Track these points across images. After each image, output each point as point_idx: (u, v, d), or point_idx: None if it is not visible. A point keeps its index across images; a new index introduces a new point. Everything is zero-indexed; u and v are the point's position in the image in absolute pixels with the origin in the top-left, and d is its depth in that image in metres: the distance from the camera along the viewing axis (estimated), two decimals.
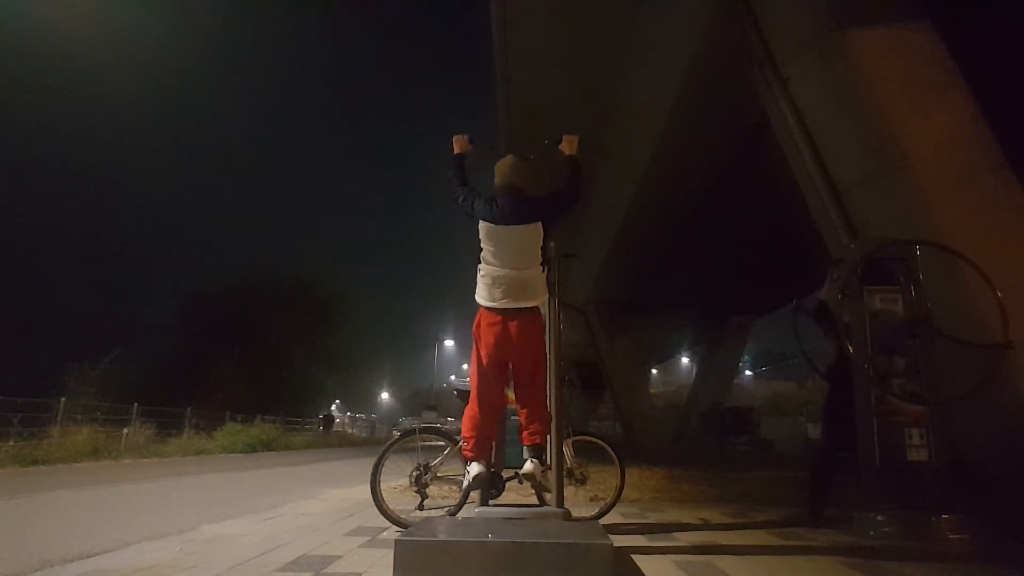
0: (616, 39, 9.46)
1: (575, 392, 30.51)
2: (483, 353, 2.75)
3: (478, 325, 2.78)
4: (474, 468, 2.68)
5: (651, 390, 29.48)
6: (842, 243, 4.96)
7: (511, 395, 2.92)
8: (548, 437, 2.76)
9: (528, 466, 2.70)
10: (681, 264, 16.41)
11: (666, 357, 40.89)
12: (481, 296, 2.78)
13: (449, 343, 43.98)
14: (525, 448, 2.77)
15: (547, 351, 2.83)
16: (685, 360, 42.92)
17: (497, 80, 10.50)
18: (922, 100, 4.94)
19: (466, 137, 3.09)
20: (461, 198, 2.90)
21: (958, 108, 4.86)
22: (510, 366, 2.80)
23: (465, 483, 2.76)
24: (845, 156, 5.31)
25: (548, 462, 2.73)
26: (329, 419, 27.56)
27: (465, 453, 2.76)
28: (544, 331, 2.83)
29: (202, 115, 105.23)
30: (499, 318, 2.72)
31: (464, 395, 3.01)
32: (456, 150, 3.07)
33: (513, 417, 2.92)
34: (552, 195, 2.89)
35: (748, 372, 45.95)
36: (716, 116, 9.76)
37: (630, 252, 15.93)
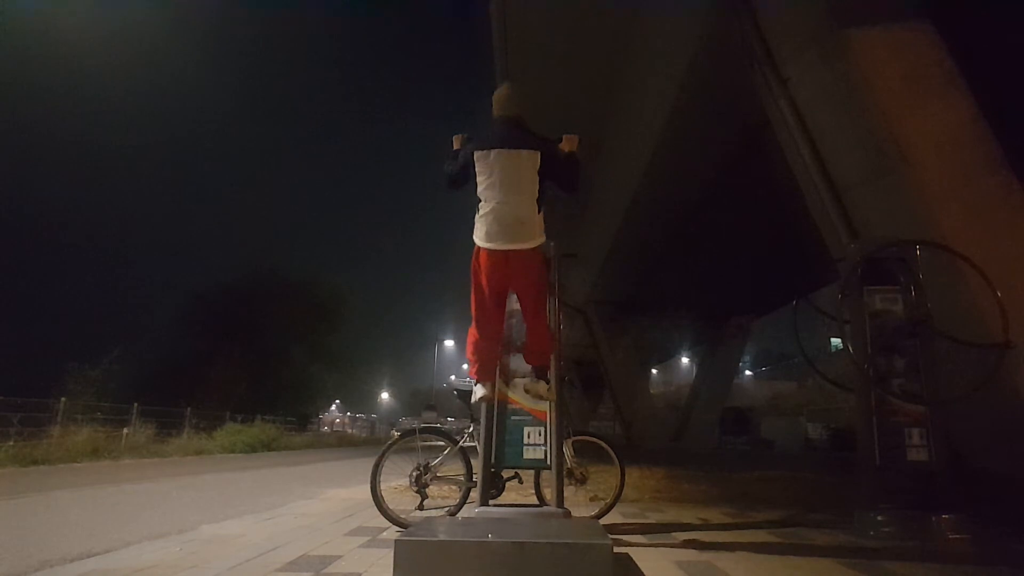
0: (616, 39, 9.47)
1: (575, 392, 30.52)
2: (483, 282, 2.65)
3: (476, 260, 2.66)
4: (479, 390, 2.71)
5: (651, 390, 29.52)
6: (842, 243, 4.96)
7: (507, 392, 2.91)
8: (552, 359, 2.80)
9: (538, 386, 2.75)
10: (681, 264, 16.42)
11: (666, 357, 40.91)
12: (478, 236, 2.63)
13: (449, 343, 43.99)
14: (532, 369, 2.81)
15: (549, 279, 2.82)
16: (685, 360, 42.93)
17: (497, 78, 10.51)
18: (922, 100, 4.95)
19: (467, 136, 3.09)
20: (451, 160, 2.81)
21: (958, 108, 4.87)
22: (508, 299, 2.79)
23: (473, 399, 2.78)
24: (845, 156, 5.32)
25: (548, 460, 2.73)
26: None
27: (472, 375, 2.78)
28: (545, 266, 2.78)
29: (202, 115, 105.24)
30: (498, 257, 2.60)
31: (464, 395, 3.01)
32: (456, 148, 3.06)
33: (514, 417, 2.91)
34: (555, 146, 2.74)
35: (748, 372, 45.98)
36: (716, 116, 9.77)
37: (630, 252, 15.94)
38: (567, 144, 2.97)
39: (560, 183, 2.77)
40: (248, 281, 24.30)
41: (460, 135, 3.05)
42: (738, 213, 13.02)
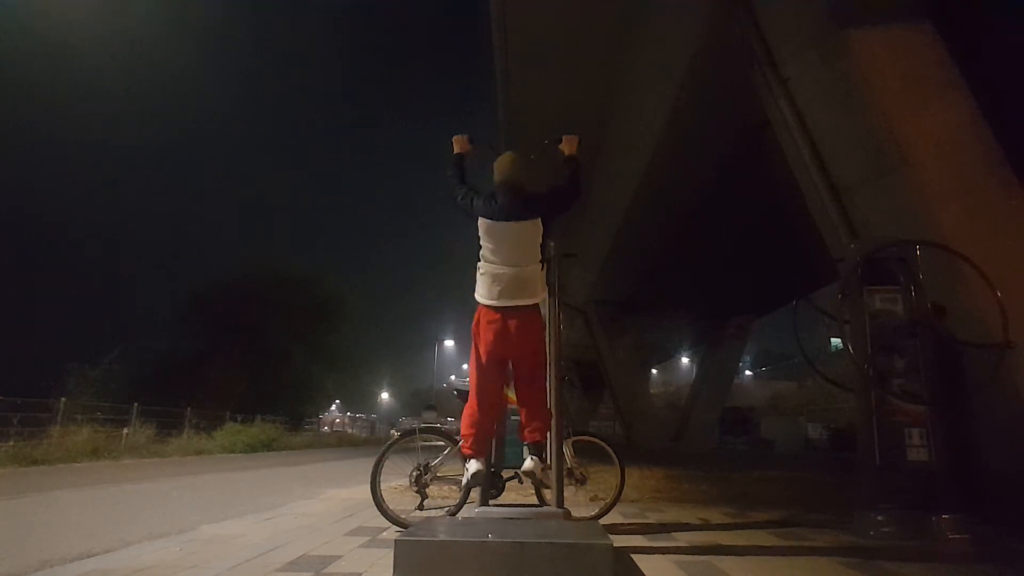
0: (616, 39, 9.47)
1: (575, 392, 30.52)
2: (482, 351, 2.74)
3: (477, 323, 2.77)
4: (473, 466, 2.68)
5: (651, 390, 29.51)
6: (842, 243, 4.96)
7: (511, 395, 2.92)
8: (548, 435, 2.75)
9: (528, 463, 2.70)
10: (681, 264, 16.42)
11: (666, 357, 40.90)
12: (480, 294, 2.75)
13: (449, 343, 44.01)
14: (526, 446, 2.77)
15: (547, 349, 2.83)
16: (685, 360, 42.93)
17: (497, 80, 10.51)
18: (922, 100, 4.95)
19: (466, 137, 3.09)
20: (460, 196, 2.90)
21: (958, 108, 4.87)
22: (510, 364, 2.80)
23: (464, 480, 2.76)
24: (845, 156, 5.32)
25: (548, 461, 2.73)
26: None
27: (464, 450, 2.76)
28: (544, 329, 2.82)
29: (202, 115, 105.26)
30: (498, 316, 2.71)
31: (464, 395, 3.01)
32: (456, 150, 3.07)
33: (514, 417, 2.92)
34: (551, 192, 2.88)
35: (748, 372, 46.00)
36: (716, 116, 9.77)
37: (630, 252, 15.94)
38: (567, 144, 2.98)
39: (565, 204, 2.90)
40: (248, 281, 24.27)
41: (459, 136, 3.06)
42: (738, 213, 13.02)
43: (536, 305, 2.77)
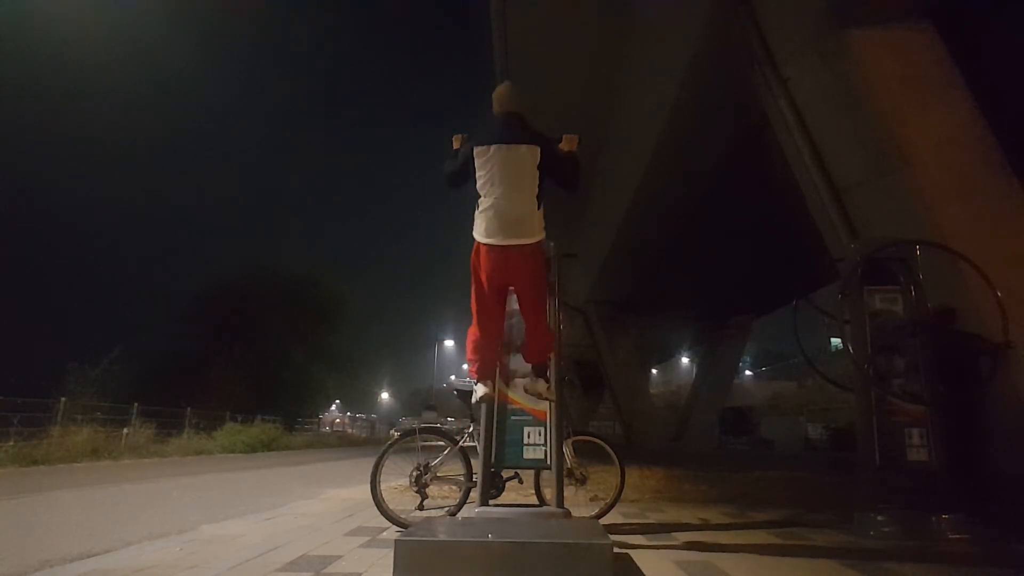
0: (616, 39, 9.47)
1: (575, 392, 30.49)
2: (483, 279, 2.65)
3: (476, 256, 2.65)
4: (480, 389, 2.71)
5: (651, 390, 29.51)
6: (842, 243, 4.96)
7: (508, 393, 2.91)
8: (550, 357, 2.81)
9: (537, 385, 2.76)
10: (681, 264, 16.42)
11: (666, 357, 40.90)
12: (478, 232, 2.62)
13: (449, 343, 44.00)
14: (532, 368, 2.81)
15: (548, 276, 2.81)
16: (685, 360, 42.93)
17: (497, 78, 10.50)
18: (922, 100, 4.95)
19: (466, 136, 3.08)
20: (451, 160, 2.81)
21: (958, 108, 4.87)
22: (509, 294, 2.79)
23: (473, 399, 2.77)
24: (845, 156, 5.32)
25: (548, 460, 2.73)
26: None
27: (472, 374, 2.77)
28: (544, 262, 2.76)
29: (202, 114, 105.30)
30: (497, 253, 2.59)
31: (464, 395, 3.01)
32: (456, 148, 3.06)
33: (514, 417, 2.91)
34: (555, 144, 2.74)
35: (748, 372, 46.00)
36: (716, 116, 9.77)
37: (630, 252, 15.94)
38: (567, 144, 2.97)
39: (560, 181, 2.75)
40: (248, 281, 24.28)
41: (460, 135, 3.05)
42: (738, 213, 13.01)
43: (536, 243, 2.64)
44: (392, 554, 1.77)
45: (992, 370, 3.56)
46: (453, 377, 44.54)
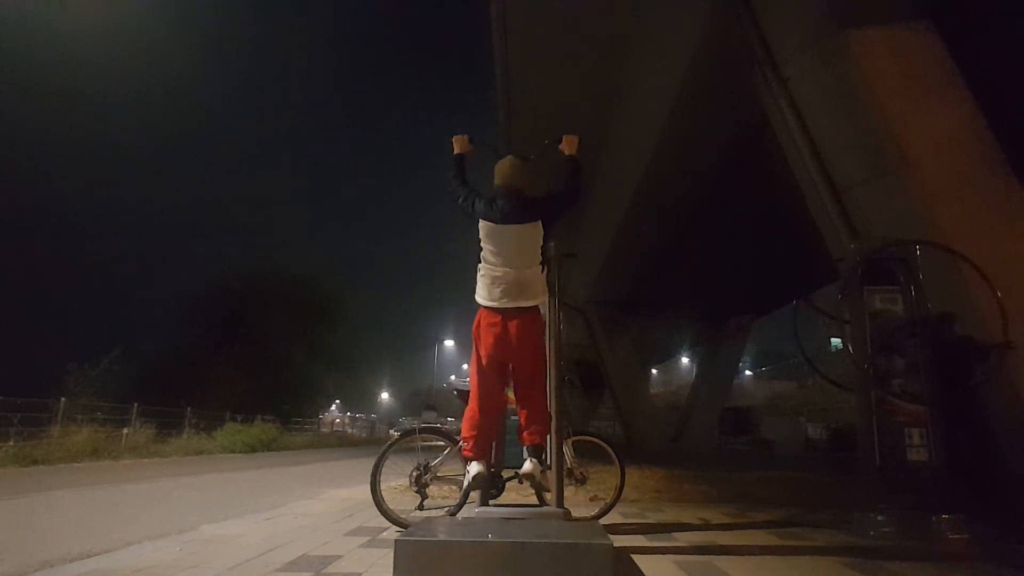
0: (616, 39, 9.46)
1: (575, 392, 30.47)
2: (483, 353, 2.75)
3: (478, 325, 2.79)
4: (474, 468, 2.69)
5: (651, 390, 29.50)
6: (842, 243, 4.96)
7: (511, 395, 2.92)
8: (548, 437, 2.75)
9: (528, 466, 2.70)
10: (681, 264, 16.41)
11: (666, 357, 40.88)
12: (481, 296, 2.78)
13: (449, 343, 44.06)
14: (525, 448, 2.77)
15: (547, 351, 2.83)
16: (685, 360, 42.92)
17: (497, 80, 10.50)
18: (922, 100, 4.94)
19: (466, 137, 3.09)
20: (461, 198, 2.91)
21: (958, 108, 4.87)
22: (510, 366, 2.80)
23: (465, 483, 2.76)
24: (845, 156, 5.32)
25: (548, 462, 2.73)
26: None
27: (465, 453, 2.76)
28: (544, 331, 2.83)
29: (202, 114, 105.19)
30: (499, 318, 2.72)
31: (464, 395, 3.01)
32: (456, 150, 3.07)
33: (513, 417, 2.92)
34: (552, 195, 2.90)
35: (748, 372, 45.98)
36: (716, 116, 9.77)
37: (630, 252, 15.94)
38: (567, 145, 2.99)
39: (564, 204, 2.91)
40: (248, 281, 24.31)
41: (459, 136, 3.07)
42: (738, 213, 13.01)
43: (536, 307, 2.79)
44: (392, 554, 1.77)
45: (992, 370, 3.56)
46: (453, 377, 44.56)
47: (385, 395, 54.36)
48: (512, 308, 2.72)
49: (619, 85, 10.57)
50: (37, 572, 2.26)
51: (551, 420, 2.73)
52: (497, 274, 2.74)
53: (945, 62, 4.99)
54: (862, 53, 5.12)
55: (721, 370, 24.22)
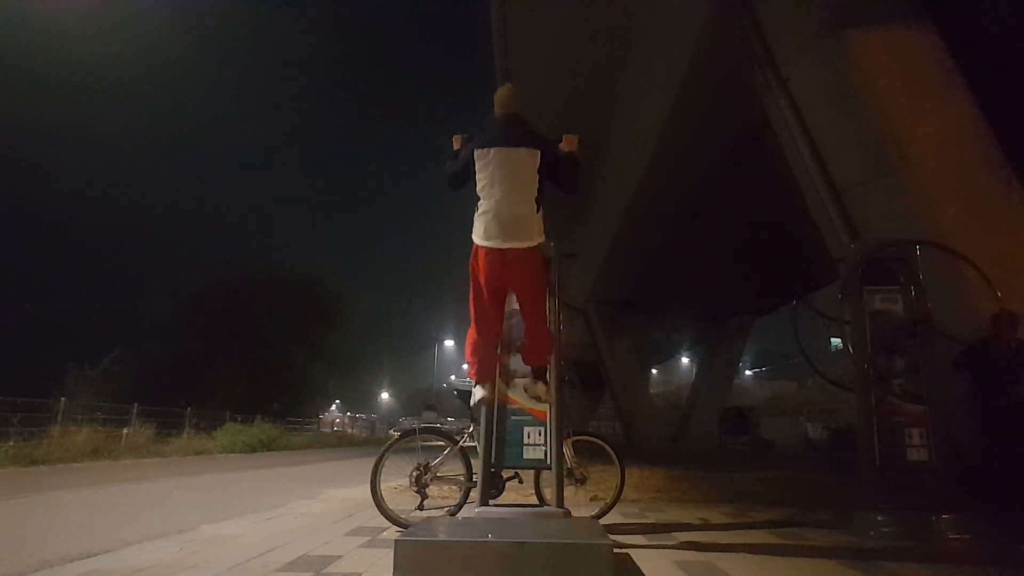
0: (616, 38, 9.47)
1: (575, 392, 30.47)
2: (482, 282, 2.65)
3: (475, 258, 2.65)
4: (479, 391, 2.72)
5: (651, 390, 29.50)
6: (842, 243, 4.96)
7: (512, 395, 2.91)
8: (550, 359, 2.80)
9: (536, 387, 2.76)
10: (681, 264, 16.41)
11: (666, 357, 40.88)
12: (477, 234, 2.63)
13: (449, 343, 44.00)
14: (531, 370, 2.81)
15: (548, 279, 2.80)
16: (685, 360, 42.93)
17: (497, 79, 10.51)
18: (922, 100, 4.94)
19: (467, 136, 3.08)
20: (451, 161, 2.81)
21: (958, 108, 4.87)
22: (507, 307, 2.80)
23: (472, 402, 2.78)
24: (845, 156, 5.31)
25: (548, 461, 2.73)
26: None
27: (471, 376, 2.78)
28: (543, 266, 2.76)
29: (202, 114, 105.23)
30: (496, 256, 2.59)
31: (464, 395, 3.01)
32: (456, 149, 3.06)
33: (514, 417, 2.91)
34: (553, 145, 2.74)
35: (748, 372, 46.00)
36: (716, 116, 9.77)
37: (630, 252, 15.93)
38: (567, 144, 2.97)
39: (560, 183, 2.77)
40: (248, 281, 24.30)
41: (460, 135, 3.05)
42: (738, 213, 13.01)
43: (535, 246, 2.64)
44: (392, 554, 1.77)
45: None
46: (453, 377, 44.59)
47: (385, 395, 54.34)
48: (509, 249, 2.57)
49: (619, 85, 10.58)
50: (37, 572, 2.26)
51: (554, 341, 2.77)
52: (493, 208, 2.58)
53: (945, 62, 4.99)
54: (862, 53, 5.12)
55: (721, 370, 24.22)
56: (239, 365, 21.36)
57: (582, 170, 2.91)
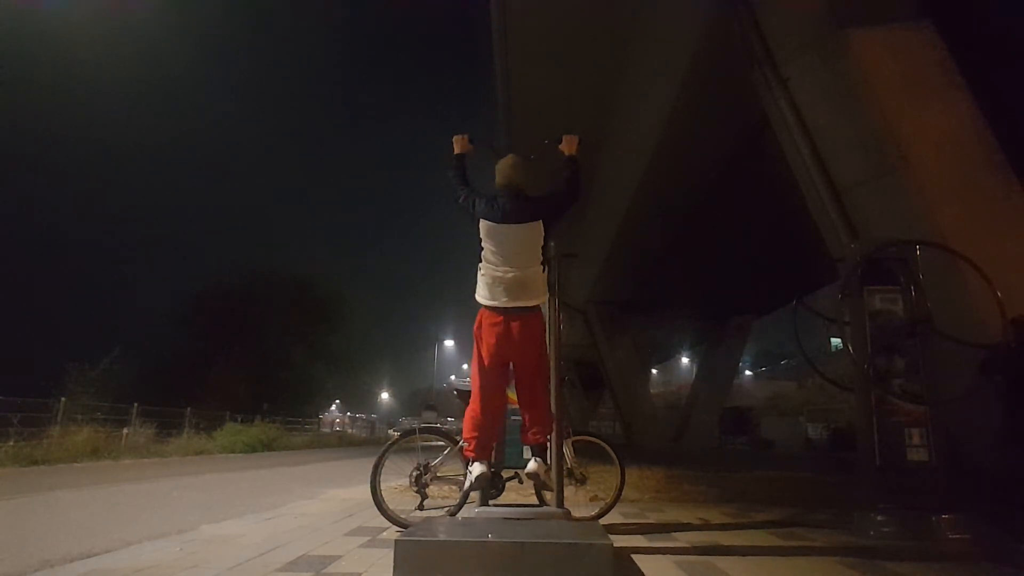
0: (616, 38, 9.46)
1: (575, 392, 30.50)
2: (484, 353, 2.74)
3: (479, 325, 2.78)
4: (476, 468, 2.68)
5: (651, 390, 29.50)
6: (842, 243, 4.96)
7: (512, 395, 2.92)
8: (550, 437, 2.75)
9: (532, 465, 2.70)
10: (681, 264, 16.41)
11: (666, 357, 40.89)
12: (482, 295, 2.76)
13: (449, 343, 44.05)
14: (528, 448, 2.78)
15: (548, 351, 2.83)
16: (685, 360, 42.93)
17: (497, 79, 10.50)
18: (922, 100, 4.94)
19: (466, 137, 3.09)
20: (461, 198, 2.90)
21: (958, 108, 4.87)
22: (511, 366, 2.80)
23: (467, 484, 2.76)
24: (845, 156, 5.32)
25: (550, 462, 2.73)
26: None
27: (467, 453, 2.76)
28: (545, 331, 2.83)
29: (202, 114, 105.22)
30: (500, 318, 2.71)
31: (464, 395, 3.01)
32: (456, 150, 3.07)
33: (514, 417, 2.91)
34: (552, 195, 2.89)
35: (748, 372, 46.01)
36: (716, 116, 9.76)
37: (630, 252, 15.93)
38: (567, 144, 2.99)
39: (562, 195, 2.89)
40: (248, 281, 24.31)
41: (460, 136, 3.06)
42: (738, 213, 13.01)
43: (538, 306, 2.77)
44: (392, 554, 1.77)
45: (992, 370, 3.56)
46: (453, 377, 44.56)
47: (385, 395, 54.36)
48: (513, 308, 2.71)
49: (619, 85, 10.57)
50: (37, 572, 2.26)
51: (553, 420, 2.74)
52: (498, 274, 2.73)
53: (945, 62, 4.99)
54: (862, 53, 5.12)
55: (721, 370, 24.22)
56: (239, 365, 21.37)
57: (582, 170, 2.94)
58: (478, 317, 2.79)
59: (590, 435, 3.56)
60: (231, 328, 22.26)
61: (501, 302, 2.71)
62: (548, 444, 2.76)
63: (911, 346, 3.37)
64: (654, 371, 43.98)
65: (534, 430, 2.75)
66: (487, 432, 2.76)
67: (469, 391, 2.86)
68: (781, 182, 6.87)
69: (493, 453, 2.82)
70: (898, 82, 5.00)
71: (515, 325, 2.69)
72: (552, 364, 2.82)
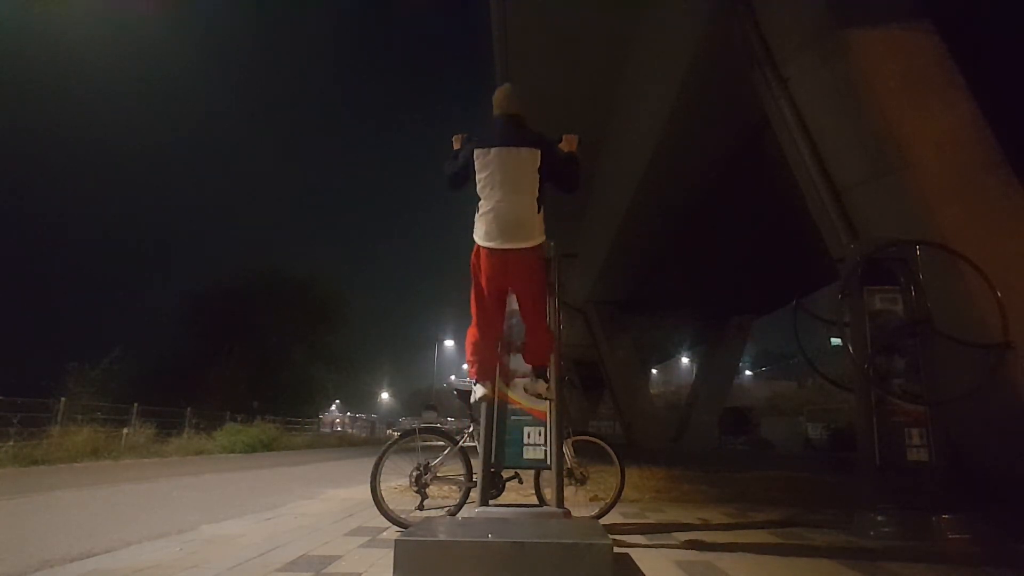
0: (616, 39, 9.46)
1: (575, 392, 30.51)
2: (482, 283, 2.66)
3: (476, 258, 2.66)
4: (479, 390, 2.72)
5: (651, 390, 29.52)
6: (842, 243, 4.96)
7: (512, 395, 2.91)
8: (551, 357, 2.81)
9: (537, 385, 2.78)
10: (681, 264, 16.42)
11: (666, 357, 40.89)
12: (478, 235, 2.63)
13: (449, 343, 44.01)
14: (532, 369, 2.82)
15: (549, 281, 2.82)
16: (685, 360, 42.94)
17: (497, 78, 10.50)
18: (922, 100, 4.94)
19: (466, 136, 3.08)
20: (451, 160, 2.81)
21: (957, 108, 4.86)
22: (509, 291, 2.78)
23: (473, 399, 2.79)
24: (845, 156, 5.31)
25: (548, 461, 2.73)
26: None
27: (471, 375, 2.78)
28: (543, 266, 2.77)
29: (202, 114, 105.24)
30: (498, 257, 2.60)
31: (464, 395, 3.01)
32: (456, 149, 3.06)
33: (514, 417, 2.91)
34: (554, 152, 2.73)
35: (748, 372, 46.01)
36: (716, 116, 9.76)
37: (630, 252, 15.93)
38: (567, 144, 2.97)
39: (560, 183, 2.77)
40: (248, 281, 24.30)
41: (460, 135, 3.05)
42: (738, 213, 13.01)
43: (537, 247, 2.65)
44: (392, 554, 1.77)
45: (991, 370, 3.56)
46: (453, 377, 44.53)
47: (385, 395, 54.39)
48: (512, 250, 2.58)
49: (619, 85, 10.58)
50: (37, 572, 2.26)
51: (554, 340, 2.78)
52: (494, 208, 2.58)
53: (945, 62, 4.99)
54: (862, 53, 5.12)
55: (721, 370, 24.23)
56: (239, 365, 21.36)
57: (582, 170, 2.92)
58: (474, 251, 2.67)
59: (590, 435, 3.56)
60: (231, 328, 22.25)
61: (497, 243, 2.57)
62: (549, 364, 2.82)
63: (911, 346, 3.37)
64: (654, 371, 43.99)
65: (537, 352, 2.78)
66: (488, 357, 2.77)
67: (469, 391, 2.87)
68: (781, 182, 6.87)
69: (496, 375, 2.83)
70: (898, 82, 5.00)
71: (513, 264, 2.61)
72: (552, 365, 2.82)
